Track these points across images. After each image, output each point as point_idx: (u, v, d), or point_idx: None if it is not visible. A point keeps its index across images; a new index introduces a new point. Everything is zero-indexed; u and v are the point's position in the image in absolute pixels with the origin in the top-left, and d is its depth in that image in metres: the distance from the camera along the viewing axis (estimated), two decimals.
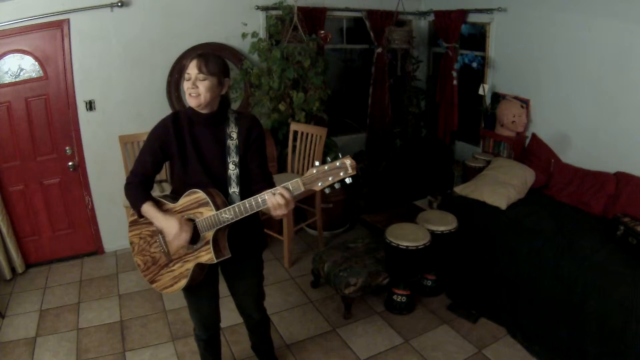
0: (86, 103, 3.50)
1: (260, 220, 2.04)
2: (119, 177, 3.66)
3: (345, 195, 4.11)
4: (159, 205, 1.78)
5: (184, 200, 1.74)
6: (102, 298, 3.22)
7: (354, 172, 1.44)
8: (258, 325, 2.27)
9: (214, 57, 1.74)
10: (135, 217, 1.87)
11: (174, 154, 1.78)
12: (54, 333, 2.83)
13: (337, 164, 1.45)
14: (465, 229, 3.08)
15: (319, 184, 1.47)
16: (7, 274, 3.43)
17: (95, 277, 3.50)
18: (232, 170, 1.76)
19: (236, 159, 1.77)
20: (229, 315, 2.64)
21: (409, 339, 2.78)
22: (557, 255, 2.59)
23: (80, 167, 3.61)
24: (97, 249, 3.86)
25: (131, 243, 1.94)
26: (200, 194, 1.69)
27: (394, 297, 3.01)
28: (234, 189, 1.76)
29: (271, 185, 1.77)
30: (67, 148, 3.54)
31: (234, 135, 1.79)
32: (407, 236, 2.85)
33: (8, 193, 3.43)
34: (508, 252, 2.85)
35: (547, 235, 2.76)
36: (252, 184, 1.81)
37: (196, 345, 2.24)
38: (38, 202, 3.55)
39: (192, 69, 1.68)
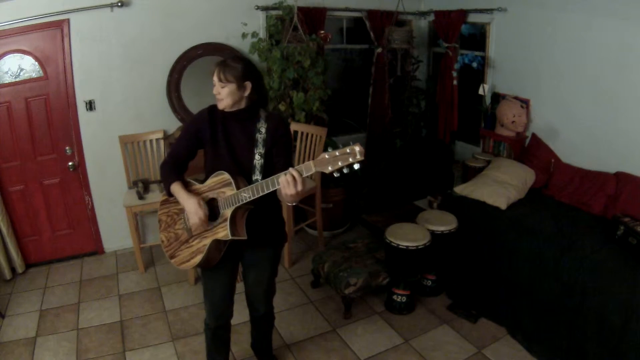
0: (86, 103, 3.50)
1: (282, 216, 2.17)
2: (119, 177, 3.66)
3: (345, 195, 4.12)
4: (188, 185, 1.96)
5: (211, 181, 1.90)
6: (102, 298, 3.22)
7: (362, 158, 1.53)
8: (262, 319, 2.31)
9: (233, 63, 1.88)
10: (166, 196, 2.05)
11: (207, 140, 1.95)
12: (54, 333, 2.83)
13: (347, 150, 1.55)
14: (465, 229, 3.08)
15: (329, 168, 1.57)
16: (7, 274, 3.43)
17: (95, 277, 3.51)
18: (258, 160, 1.91)
19: (262, 151, 1.91)
20: None
21: (409, 339, 2.78)
22: (557, 255, 2.59)
23: (80, 167, 3.61)
24: (97, 249, 3.86)
25: (159, 220, 2.11)
26: (225, 175, 1.85)
27: (394, 297, 3.01)
28: (257, 177, 1.89)
29: None
30: (67, 148, 3.54)
31: (263, 130, 1.93)
32: (407, 236, 2.85)
33: (8, 193, 3.43)
34: (508, 252, 2.85)
35: (547, 235, 2.76)
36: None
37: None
38: (38, 202, 3.55)
39: (214, 77, 1.87)
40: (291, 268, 3.63)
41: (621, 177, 3.01)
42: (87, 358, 2.61)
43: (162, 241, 2.09)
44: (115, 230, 3.80)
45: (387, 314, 3.02)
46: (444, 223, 3.03)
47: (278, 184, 1.69)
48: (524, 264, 2.74)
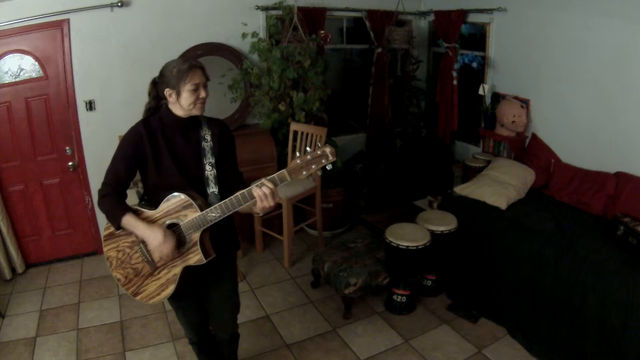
0: (86, 103, 3.50)
1: (233, 222, 1.97)
2: None
3: (345, 195, 4.12)
4: (137, 214, 1.74)
5: (165, 205, 1.72)
6: (102, 298, 3.22)
7: (334, 159, 1.53)
8: (230, 341, 2.19)
9: None
10: (111, 230, 1.82)
11: (148, 159, 1.75)
12: (54, 333, 2.83)
13: (318, 152, 1.53)
14: (465, 229, 3.08)
15: (304, 173, 1.55)
16: (7, 274, 3.43)
17: (95, 277, 3.51)
18: (210, 171, 1.78)
19: (212, 160, 1.79)
20: None
21: (409, 339, 2.78)
22: (557, 255, 2.59)
23: (80, 167, 3.61)
24: (97, 249, 3.86)
25: (108, 258, 1.86)
26: (182, 197, 1.69)
27: (394, 297, 3.01)
28: (212, 189, 1.77)
29: (244, 183, 1.81)
30: (67, 148, 3.54)
31: (208, 137, 1.80)
32: (407, 236, 2.85)
33: (8, 193, 3.44)
34: (508, 252, 2.85)
35: (547, 235, 2.76)
36: (229, 184, 1.85)
37: None
38: (38, 202, 3.55)
39: (201, 78, 1.70)
40: (291, 268, 3.63)
41: (621, 177, 3.01)
42: (87, 358, 2.61)
43: (119, 279, 1.86)
44: None
45: (387, 314, 3.02)
46: (444, 223, 3.02)
47: (251, 197, 1.60)
48: (524, 264, 2.74)
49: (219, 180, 1.79)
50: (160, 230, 1.67)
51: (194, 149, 1.79)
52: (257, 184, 1.61)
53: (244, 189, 1.65)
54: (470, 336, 2.78)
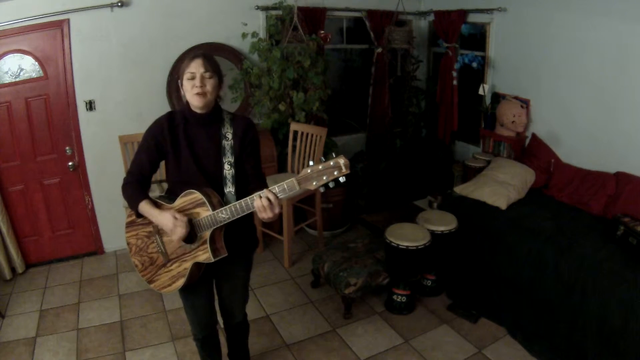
0: (86, 103, 3.50)
1: (253, 221, 2.02)
2: (119, 177, 3.60)
3: (345, 195, 4.12)
4: (156, 205, 1.79)
5: (181, 201, 1.74)
6: (102, 298, 3.22)
7: (348, 171, 1.46)
8: (238, 328, 2.23)
9: (212, 57, 1.78)
10: (132, 217, 1.88)
11: (168, 152, 1.79)
12: (54, 333, 2.83)
13: (331, 163, 1.47)
14: (465, 229, 3.08)
15: (314, 183, 1.49)
16: (7, 274, 3.43)
17: (95, 277, 3.51)
18: (228, 170, 1.78)
19: (231, 159, 1.78)
20: None
21: (409, 339, 2.78)
22: (557, 255, 2.59)
23: (80, 167, 3.61)
24: (97, 249, 3.86)
25: (128, 244, 1.94)
26: (196, 194, 1.70)
27: (394, 297, 3.01)
28: (229, 189, 1.77)
29: (264, 185, 1.80)
30: (67, 148, 3.54)
31: (229, 135, 1.80)
32: (407, 236, 2.85)
33: (8, 193, 3.43)
34: (508, 252, 2.85)
35: (547, 235, 2.76)
36: (247, 184, 1.84)
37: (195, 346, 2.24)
38: (38, 202, 3.55)
39: (197, 68, 1.69)
40: (291, 268, 3.62)
41: (621, 177, 3.01)
42: (87, 358, 2.61)
43: (136, 265, 1.94)
44: (115, 230, 3.79)
45: (387, 314, 3.02)
46: (444, 223, 3.02)
47: (253, 207, 1.60)
48: (524, 264, 2.74)
49: (236, 180, 1.79)
50: (171, 214, 1.69)
51: (214, 147, 1.79)
52: (259, 193, 1.58)
53: (261, 190, 1.63)
54: (470, 336, 2.78)
